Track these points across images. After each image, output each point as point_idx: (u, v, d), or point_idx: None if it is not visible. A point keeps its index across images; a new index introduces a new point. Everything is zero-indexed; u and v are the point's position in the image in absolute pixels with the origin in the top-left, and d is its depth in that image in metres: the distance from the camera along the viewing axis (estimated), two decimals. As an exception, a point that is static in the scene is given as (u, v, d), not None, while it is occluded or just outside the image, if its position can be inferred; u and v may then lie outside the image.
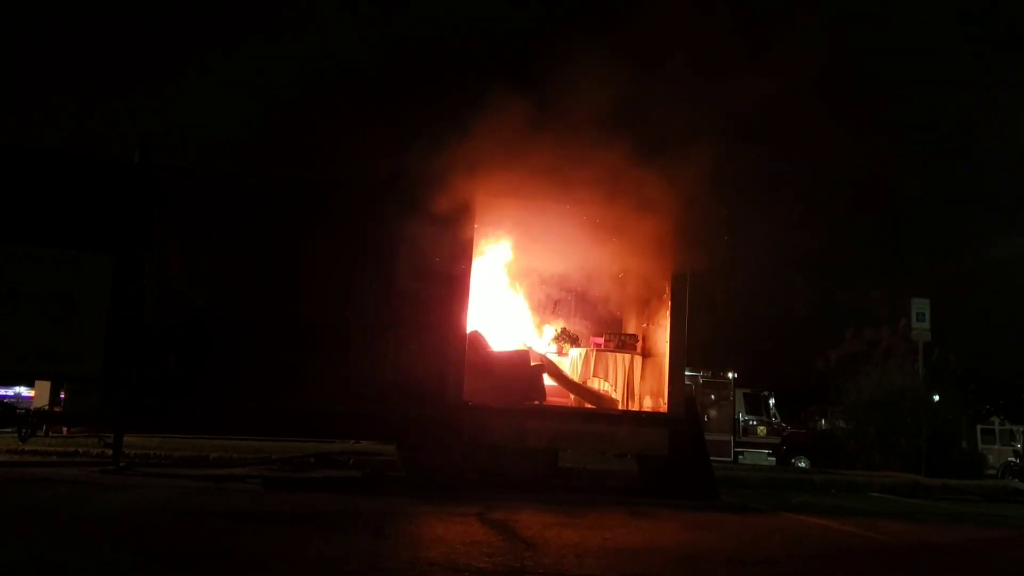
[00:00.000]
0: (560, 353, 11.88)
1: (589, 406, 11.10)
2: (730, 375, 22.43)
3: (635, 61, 9.62)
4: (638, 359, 11.62)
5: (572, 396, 11.30)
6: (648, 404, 11.16)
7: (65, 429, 13.32)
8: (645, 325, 11.70)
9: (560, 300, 12.21)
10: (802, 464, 21.31)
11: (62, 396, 10.65)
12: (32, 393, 13.68)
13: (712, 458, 11.49)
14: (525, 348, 11.34)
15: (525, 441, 9.95)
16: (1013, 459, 24.84)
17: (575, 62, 9.68)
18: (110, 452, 10.21)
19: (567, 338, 11.99)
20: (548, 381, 11.01)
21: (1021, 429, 26.91)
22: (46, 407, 11.26)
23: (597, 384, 11.53)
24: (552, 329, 12.19)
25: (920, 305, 18.88)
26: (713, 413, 21.72)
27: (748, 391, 22.97)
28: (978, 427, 25.69)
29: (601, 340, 11.76)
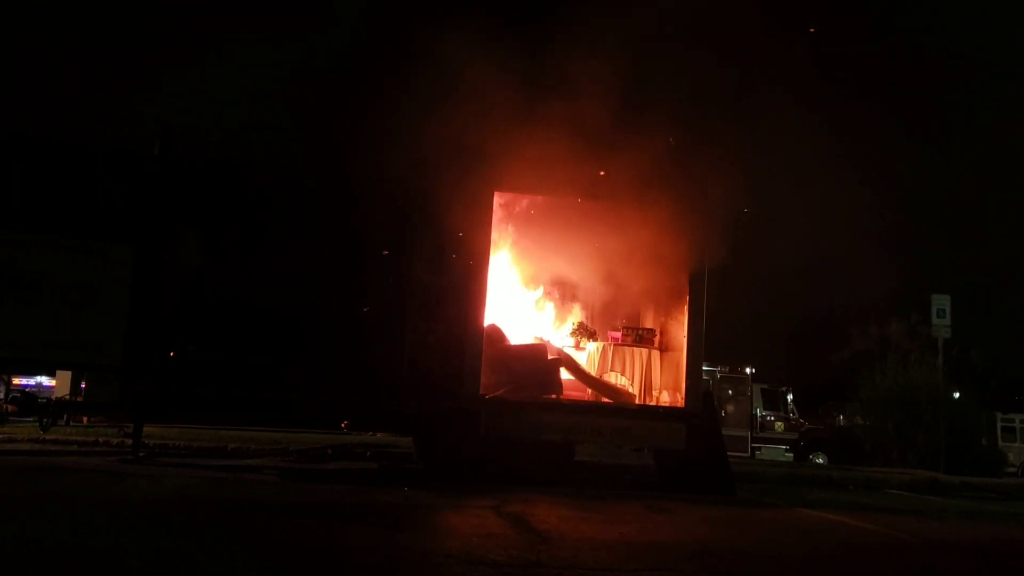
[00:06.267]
0: (577, 347, 11.86)
1: (606, 400, 11.09)
2: (748, 370, 22.35)
3: (648, 54, 9.59)
4: (655, 354, 11.58)
5: (589, 390, 11.28)
6: (665, 399, 11.13)
7: (85, 418, 13.47)
8: (663, 319, 11.66)
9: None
10: (819, 460, 21.22)
11: (83, 385, 10.78)
12: (53, 382, 13.86)
13: (729, 453, 11.44)
14: (542, 342, 11.34)
15: (542, 435, 9.96)
16: (1033, 457, 24.60)
17: (595, 55, 9.65)
18: (130, 442, 10.30)
19: (584, 332, 11.96)
20: (565, 375, 11.00)
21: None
22: (67, 396, 11.40)
23: (614, 378, 11.50)
24: (570, 322, 12.17)
25: (940, 301, 18.65)
26: (730, 408, 21.66)
27: (766, 386, 22.88)
28: (998, 424, 25.44)
29: (619, 334, 11.72)
